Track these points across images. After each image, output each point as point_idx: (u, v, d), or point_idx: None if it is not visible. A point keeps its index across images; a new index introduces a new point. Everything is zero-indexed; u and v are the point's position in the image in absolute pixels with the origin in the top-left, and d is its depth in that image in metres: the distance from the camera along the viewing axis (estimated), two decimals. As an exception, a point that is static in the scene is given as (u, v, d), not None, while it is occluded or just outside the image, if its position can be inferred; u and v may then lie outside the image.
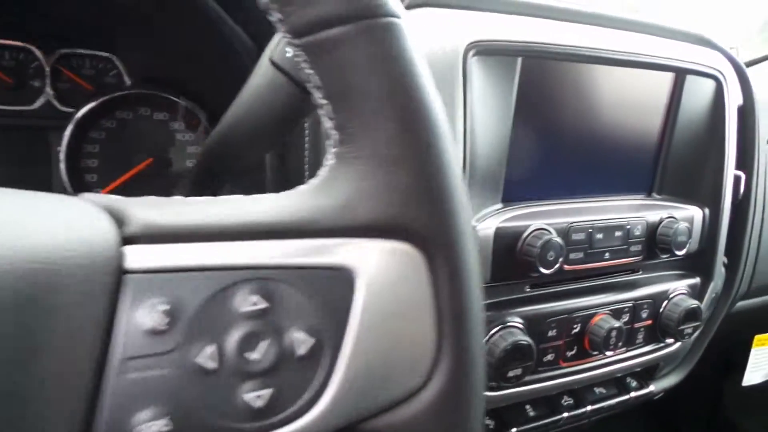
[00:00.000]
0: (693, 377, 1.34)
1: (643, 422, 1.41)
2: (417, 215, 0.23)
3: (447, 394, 0.24)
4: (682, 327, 0.70)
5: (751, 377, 1.02)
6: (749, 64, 1.42)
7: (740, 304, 0.94)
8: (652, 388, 0.77)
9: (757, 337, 0.99)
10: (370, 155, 0.22)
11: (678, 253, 0.67)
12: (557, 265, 0.57)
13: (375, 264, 0.22)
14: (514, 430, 0.65)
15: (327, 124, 0.23)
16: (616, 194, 0.71)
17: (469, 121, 0.52)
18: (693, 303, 0.70)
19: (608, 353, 0.64)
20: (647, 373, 0.81)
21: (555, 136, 0.63)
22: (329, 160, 0.23)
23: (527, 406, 0.69)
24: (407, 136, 0.22)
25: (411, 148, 0.22)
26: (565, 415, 0.69)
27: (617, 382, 0.76)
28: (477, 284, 0.26)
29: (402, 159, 0.22)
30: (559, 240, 0.57)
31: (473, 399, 0.25)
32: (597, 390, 0.74)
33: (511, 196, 0.61)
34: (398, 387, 0.23)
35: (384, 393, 0.23)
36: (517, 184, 0.61)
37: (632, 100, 0.68)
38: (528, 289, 0.63)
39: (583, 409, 0.71)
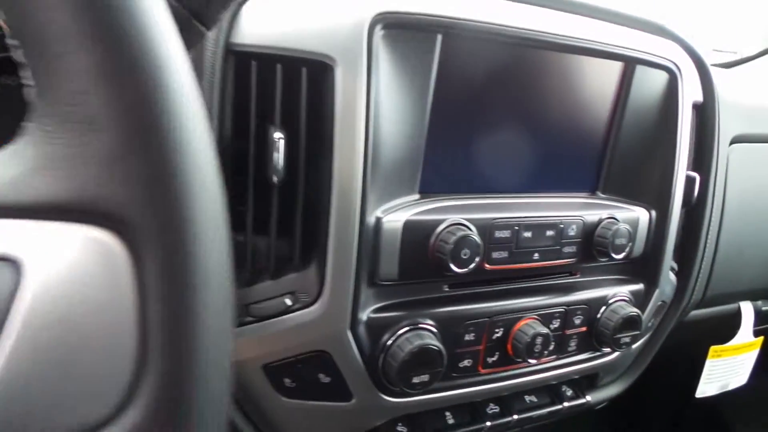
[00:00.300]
0: (645, 386, 1.30)
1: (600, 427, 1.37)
2: (120, 195, 0.17)
3: (146, 428, 0.19)
4: (619, 336, 0.66)
5: (705, 389, 0.97)
6: (736, 63, 1.36)
7: (695, 313, 0.89)
8: (588, 398, 0.73)
9: (713, 348, 0.94)
10: (61, 113, 0.17)
11: (616, 256, 0.62)
12: (473, 264, 0.52)
13: (54, 256, 0.17)
14: (428, 438, 0.61)
15: (22, 73, 0.18)
16: (558, 191, 0.66)
17: (374, 104, 0.47)
18: (632, 311, 0.65)
19: (532, 361, 0.59)
20: (588, 381, 0.76)
21: (483, 125, 0.58)
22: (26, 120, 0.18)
23: (447, 413, 0.65)
24: (110, 88, 0.17)
25: (115, 104, 0.17)
26: (488, 423, 0.65)
27: (551, 391, 0.72)
28: (207, 285, 0.21)
29: (102, 119, 0.17)
30: (476, 237, 0.52)
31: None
32: (527, 398, 0.70)
33: (430, 188, 0.56)
34: (71, 420, 0.18)
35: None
36: (439, 176, 0.56)
37: (577, 90, 0.63)
38: (446, 289, 0.58)
39: (508, 418, 0.66)
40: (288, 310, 0.49)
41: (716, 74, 0.74)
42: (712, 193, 0.77)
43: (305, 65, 0.45)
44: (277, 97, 0.46)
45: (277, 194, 0.47)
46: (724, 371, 0.98)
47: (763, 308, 0.98)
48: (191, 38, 0.35)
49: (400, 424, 0.61)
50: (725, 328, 0.96)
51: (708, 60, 0.73)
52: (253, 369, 0.51)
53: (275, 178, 0.46)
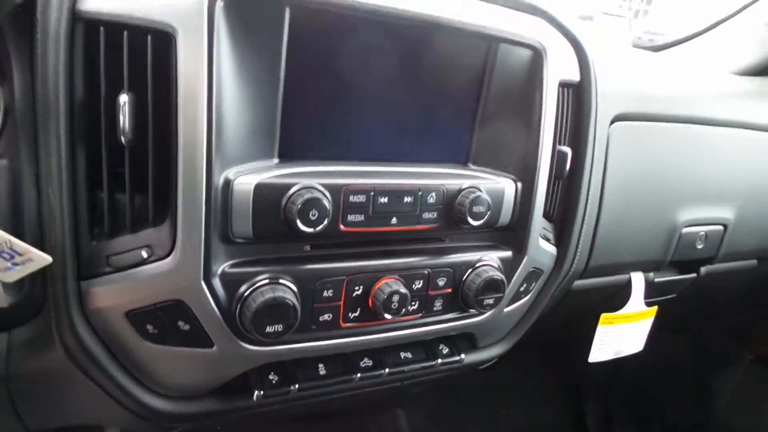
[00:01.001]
0: (545, 353, 1.39)
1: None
2: None
3: None
4: (482, 297, 0.71)
5: (597, 354, 1.04)
6: (666, 46, 1.42)
7: (585, 282, 0.96)
8: (462, 356, 0.79)
9: (603, 316, 1.01)
10: None
11: (474, 223, 0.67)
12: (323, 226, 0.57)
13: None
14: (297, 386, 0.67)
15: None
16: (431, 163, 0.70)
17: (217, 72, 0.51)
18: (495, 274, 0.71)
19: (388, 316, 0.65)
20: (468, 343, 0.82)
21: (346, 96, 0.62)
22: None
23: (320, 365, 0.70)
24: None
25: None
26: (358, 375, 0.71)
27: (427, 348, 0.78)
28: None
29: None
30: (324, 199, 0.57)
31: None
32: (402, 354, 0.76)
33: (290, 154, 0.60)
34: None
35: None
36: (298, 142, 0.61)
37: (443, 63, 0.67)
38: (307, 249, 0.63)
39: (380, 371, 0.72)
40: (144, 262, 0.54)
41: (597, 56, 0.79)
42: (590, 168, 0.82)
43: (150, 33, 0.50)
44: (124, 63, 0.50)
45: (128, 154, 0.52)
46: (616, 338, 1.05)
47: (656, 279, 1.05)
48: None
49: (272, 372, 0.67)
50: (619, 298, 1.03)
51: (585, 41, 0.78)
52: (116, 316, 0.56)
53: (123, 140, 0.50)
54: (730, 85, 1.15)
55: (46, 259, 0.47)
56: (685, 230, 0.99)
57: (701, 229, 1.02)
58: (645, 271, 1.02)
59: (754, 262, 1.18)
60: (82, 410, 0.69)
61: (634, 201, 0.92)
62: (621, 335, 1.05)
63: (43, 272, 0.52)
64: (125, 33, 0.49)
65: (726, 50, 1.28)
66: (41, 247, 0.50)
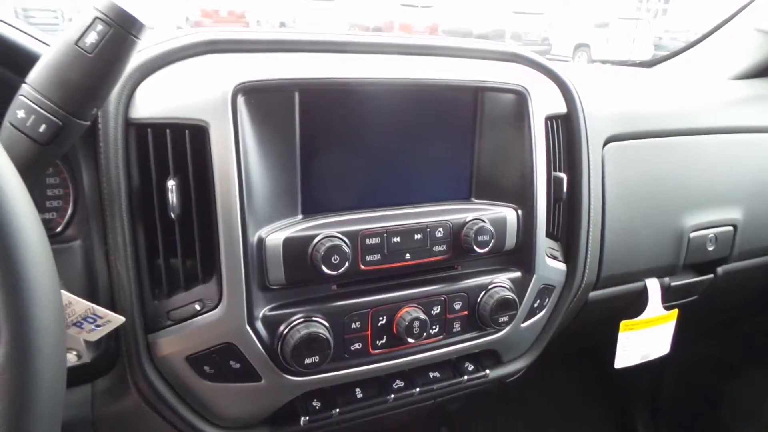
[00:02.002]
0: (570, 363, 1.43)
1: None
2: None
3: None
4: (497, 316, 0.79)
5: (623, 360, 1.09)
6: (658, 61, 1.48)
7: (599, 293, 1.01)
8: (488, 372, 0.86)
9: (623, 323, 1.06)
10: None
11: (480, 250, 0.75)
12: (345, 267, 0.67)
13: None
14: (338, 410, 0.75)
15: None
16: (439, 201, 0.79)
17: (244, 152, 0.62)
18: (507, 294, 0.79)
19: (411, 340, 0.73)
20: (493, 359, 0.89)
21: (354, 154, 0.72)
22: None
23: (357, 389, 0.79)
24: None
25: None
26: (392, 396, 0.79)
27: (453, 367, 0.85)
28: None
29: None
30: (344, 245, 0.66)
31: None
32: (431, 374, 0.83)
33: (312, 210, 0.70)
34: None
35: None
36: (318, 200, 0.71)
37: (439, 114, 0.76)
38: (335, 288, 0.72)
39: (411, 390, 0.80)
40: (198, 314, 0.65)
41: (580, 88, 0.88)
42: (588, 189, 0.90)
43: (187, 129, 0.61)
44: (169, 154, 0.61)
45: (178, 227, 0.63)
46: (641, 343, 1.10)
47: (672, 284, 1.09)
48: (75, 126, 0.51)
49: (315, 399, 0.76)
50: (637, 305, 1.08)
51: (568, 79, 0.87)
52: (178, 361, 0.66)
53: (173, 215, 0.62)
54: (726, 92, 1.20)
55: (120, 319, 0.57)
56: (693, 234, 1.04)
57: (710, 232, 1.07)
58: (660, 276, 1.07)
59: (773, 257, 1.21)
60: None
61: (637, 213, 0.98)
62: (644, 340, 1.09)
63: (117, 330, 0.63)
64: (168, 131, 0.61)
65: (721, 57, 1.33)
66: (113, 309, 0.61)
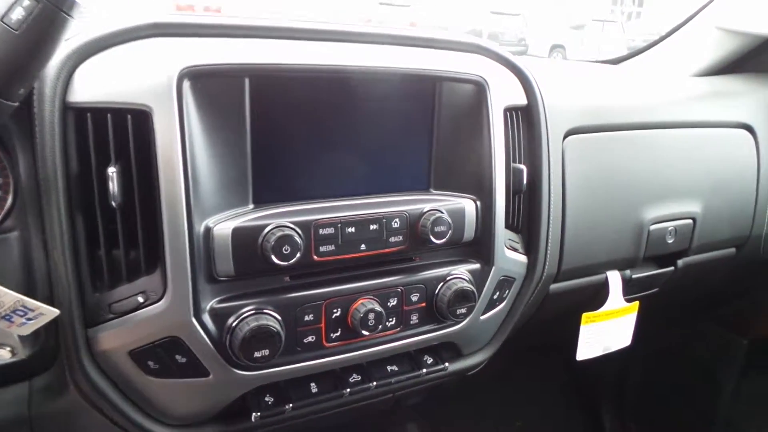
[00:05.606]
0: (532, 357, 1.43)
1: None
2: None
3: None
4: (455, 308, 0.78)
5: (585, 352, 1.09)
6: (625, 58, 1.49)
7: (561, 285, 1.01)
8: (446, 365, 0.85)
9: (585, 315, 1.06)
10: None
11: (437, 241, 0.74)
12: (296, 258, 0.65)
13: None
14: (291, 405, 0.73)
15: None
16: (397, 192, 0.78)
17: (190, 140, 0.60)
18: (466, 286, 0.78)
19: (366, 333, 0.71)
20: (453, 352, 0.88)
21: (308, 144, 0.70)
22: None
23: (312, 384, 0.77)
24: None
25: None
26: (348, 390, 0.77)
27: (411, 360, 0.84)
28: None
29: None
30: (296, 235, 0.65)
31: None
32: (389, 367, 0.82)
33: (263, 199, 0.68)
34: None
35: None
36: (270, 189, 0.69)
37: (396, 104, 0.75)
38: (287, 280, 0.70)
39: (368, 384, 0.79)
40: (141, 306, 0.62)
41: (541, 81, 0.87)
42: (548, 181, 0.89)
43: (129, 114, 0.59)
44: (110, 140, 0.59)
45: (120, 216, 0.61)
46: (602, 335, 1.10)
47: (633, 276, 1.10)
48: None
49: (268, 394, 0.74)
50: (598, 297, 1.08)
51: (528, 70, 0.86)
52: (121, 355, 0.64)
53: (114, 204, 0.59)
54: (686, 88, 1.22)
55: (54, 312, 0.55)
56: (653, 227, 1.05)
57: (669, 225, 1.07)
58: (621, 269, 1.07)
59: (732, 250, 1.23)
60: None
61: (597, 206, 0.98)
62: (606, 332, 1.10)
63: (56, 324, 0.61)
64: (109, 116, 0.58)
65: (684, 54, 1.35)
66: (51, 302, 0.58)
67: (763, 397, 1.49)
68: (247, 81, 0.64)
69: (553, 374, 1.64)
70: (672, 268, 1.14)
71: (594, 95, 1.02)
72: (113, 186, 0.58)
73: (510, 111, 0.83)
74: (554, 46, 14.45)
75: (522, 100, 0.86)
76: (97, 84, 0.59)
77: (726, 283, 1.37)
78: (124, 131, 0.59)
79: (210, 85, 0.62)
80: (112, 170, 0.58)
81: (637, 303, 1.12)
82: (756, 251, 1.25)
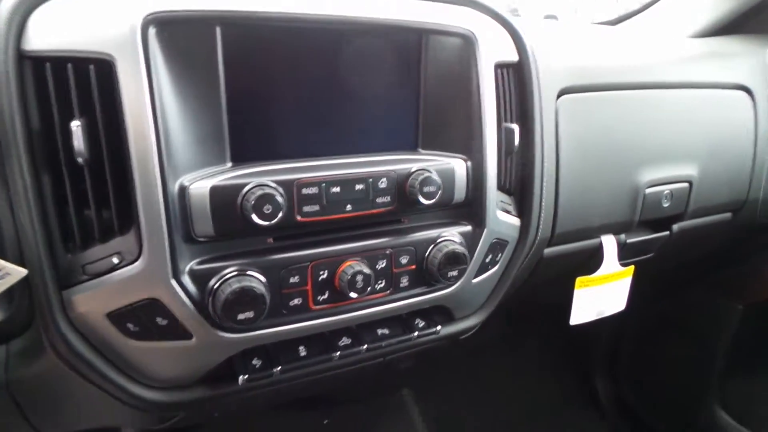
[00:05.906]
0: (529, 321, 1.42)
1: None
2: None
3: None
4: (446, 270, 0.76)
5: (579, 316, 1.08)
6: (622, 19, 1.45)
7: (549, 250, 0.99)
8: (439, 328, 0.83)
9: (579, 279, 1.05)
10: None
11: (426, 202, 0.72)
12: (278, 218, 0.62)
13: None
14: (279, 368, 0.72)
15: None
16: (384, 152, 0.75)
17: (158, 91, 0.56)
18: (457, 248, 0.75)
19: (354, 295, 0.69)
20: (446, 316, 0.87)
21: (289, 98, 0.67)
22: None
23: (301, 347, 0.75)
24: None
25: None
26: (337, 353, 0.76)
27: (403, 323, 0.82)
28: None
29: None
30: (277, 194, 0.62)
31: None
32: (380, 331, 0.80)
33: (242, 157, 0.66)
34: None
35: None
36: (249, 146, 0.66)
37: (380, 58, 0.72)
38: (270, 241, 0.68)
39: (358, 348, 0.77)
40: (116, 267, 0.60)
41: (534, 38, 0.84)
42: (541, 141, 0.87)
43: (92, 63, 0.56)
44: (72, 92, 0.56)
45: (88, 173, 0.58)
46: (596, 299, 1.09)
47: (628, 240, 1.08)
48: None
49: (256, 357, 0.72)
50: (593, 262, 1.07)
51: (519, 24, 0.83)
52: (98, 318, 0.62)
53: (80, 160, 0.56)
54: (683, 49, 1.19)
55: (22, 271, 0.52)
56: (648, 190, 1.03)
57: (665, 188, 1.05)
58: (615, 233, 1.06)
59: (728, 215, 1.21)
60: (86, 411, 0.75)
61: (592, 168, 0.96)
62: (600, 296, 1.08)
63: (29, 287, 0.58)
64: (69, 65, 0.55)
65: (681, 15, 1.31)
66: (21, 262, 0.56)
67: (758, 363, 1.48)
68: (218, 30, 0.60)
69: (546, 338, 1.64)
70: (667, 232, 1.12)
71: (589, 54, 0.99)
72: (78, 142, 0.55)
73: (501, 68, 0.80)
74: (547, 16, 14.32)
75: (513, 56, 0.82)
76: (54, 31, 0.56)
77: (721, 249, 1.35)
78: (87, 83, 0.56)
79: (178, 34, 0.58)
80: (75, 124, 0.55)
81: (632, 267, 1.10)
82: (752, 216, 1.23)
